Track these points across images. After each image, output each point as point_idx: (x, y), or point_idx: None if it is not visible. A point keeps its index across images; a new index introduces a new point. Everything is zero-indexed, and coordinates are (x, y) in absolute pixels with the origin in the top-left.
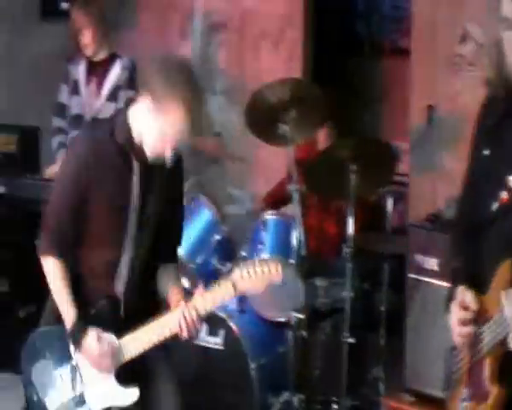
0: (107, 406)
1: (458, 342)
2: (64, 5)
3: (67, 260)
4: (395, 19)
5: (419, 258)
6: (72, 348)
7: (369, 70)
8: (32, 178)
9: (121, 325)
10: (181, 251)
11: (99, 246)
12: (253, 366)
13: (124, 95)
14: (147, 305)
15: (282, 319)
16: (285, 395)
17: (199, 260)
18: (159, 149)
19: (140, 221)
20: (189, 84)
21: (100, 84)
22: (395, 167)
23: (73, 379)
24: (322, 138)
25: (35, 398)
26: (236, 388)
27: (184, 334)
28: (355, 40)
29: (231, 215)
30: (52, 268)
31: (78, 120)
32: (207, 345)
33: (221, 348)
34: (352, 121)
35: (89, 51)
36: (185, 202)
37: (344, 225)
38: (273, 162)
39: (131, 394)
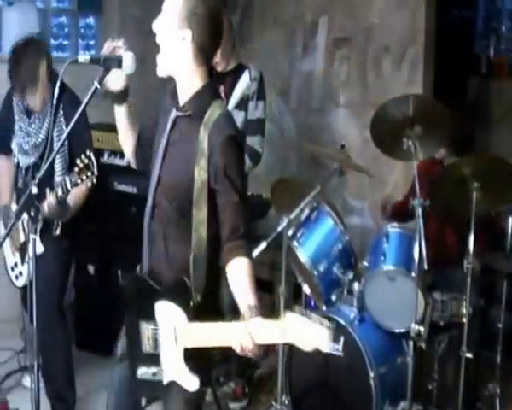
0: (173, 379)
1: None
2: None
3: None
4: None
5: None
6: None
7: (487, 89)
8: None
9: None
10: (304, 258)
11: None
12: (372, 374)
13: (253, 105)
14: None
15: (401, 330)
16: (402, 405)
17: (321, 268)
18: None
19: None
20: None
21: (228, 94)
22: None
23: (156, 338)
24: (442, 155)
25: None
26: (355, 395)
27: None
28: (473, 60)
29: (350, 226)
30: None
31: None
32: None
33: (341, 354)
34: (468, 139)
35: (219, 68)
36: (307, 211)
37: (463, 238)
38: (392, 176)
39: (194, 383)
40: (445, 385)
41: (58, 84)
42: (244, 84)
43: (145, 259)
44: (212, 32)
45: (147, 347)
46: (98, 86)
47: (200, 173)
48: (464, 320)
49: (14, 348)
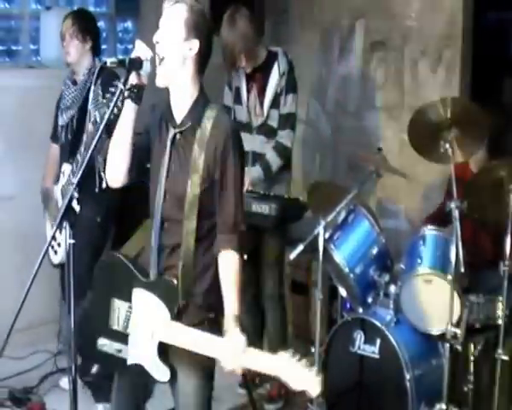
0: (140, 364)
1: None
2: None
3: None
4: None
5: None
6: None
7: None
8: None
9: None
10: (340, 260)
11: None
12: (408, 376)
13: (283, 100)
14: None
15: (437, 332)
16: (438, 407)
17: (357, 270)
18: None
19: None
20: None
21: (261, 92)
22: None
23: (128, 319)
24: (478, 157)
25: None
26: (391, 397)
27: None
28: (510, 62)
29: (385, 229)
30: None
31: (242, 126)
32: (364, 353)
33: (377, 356)
34: (505, 141)
35: (247, 69)
36: (344, 214)
37: (498, 240)
38: (428, 178)
39: (164, 373)
40: (480, 387)
41: (93, 80)
42: (274, 81)
43: (153, 267)
44: (211, 44)
45: (115, 323)
46: (123, 87)
47: (193, 188)
48: (500, 322)
49: (51, 350)
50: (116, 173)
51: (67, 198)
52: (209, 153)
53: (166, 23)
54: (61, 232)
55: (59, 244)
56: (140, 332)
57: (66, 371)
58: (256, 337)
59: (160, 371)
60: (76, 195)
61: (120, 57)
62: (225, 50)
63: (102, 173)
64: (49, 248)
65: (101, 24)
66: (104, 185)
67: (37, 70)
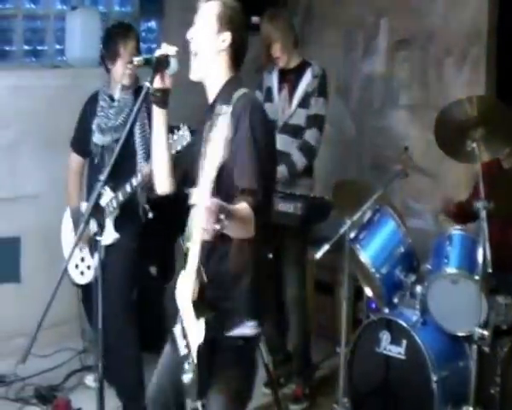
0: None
1: None
2: (255, 19)
3: None
4: None
5: None
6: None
7: None
8: None
9: None
10: (366, 260)
11: None
12: (434, 378)
13: (314, 102)
14: None
15: (464, 334)
16: (465, 409)
17: (383, 270)
18: None
19: None
20: None
21: (291, 91)
22: None
23: (183, 328)
24: (504, 156)
25: None
26: (417, 398)
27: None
28: None
29: (410, 228)
30: None
31: None
32: (390, 354)
33: (403, 357)
34: None
35: (280, 63)
36: (370, 213)
37: None
38: (453, 178)
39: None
40: (507, 390)
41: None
42: (306, 81)
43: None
44: (245, 38)
45: (181, 349)
46: (150, 86)
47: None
48: None
49: (76, 347)
50: (159, 179)
51: (95, 195)
52: (232, 124)
53: (200, 19)
54: (92, 255)
55: (88, 267)
56: (187, 321)
57: (92, 368)
58: (279, 339)
59: (199, 332)
60: (103, 191)
61: (146, 56)
62: (263, 42)
63: (145, 206)
64: (73, 269)
65: None
66: (148, 216)
67: (63, 70)
